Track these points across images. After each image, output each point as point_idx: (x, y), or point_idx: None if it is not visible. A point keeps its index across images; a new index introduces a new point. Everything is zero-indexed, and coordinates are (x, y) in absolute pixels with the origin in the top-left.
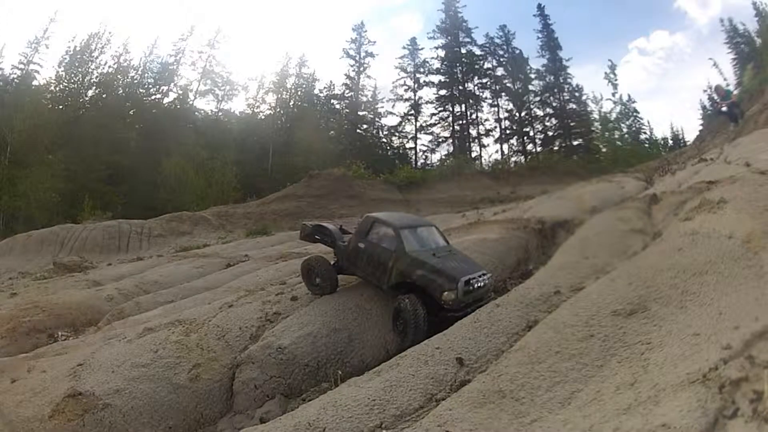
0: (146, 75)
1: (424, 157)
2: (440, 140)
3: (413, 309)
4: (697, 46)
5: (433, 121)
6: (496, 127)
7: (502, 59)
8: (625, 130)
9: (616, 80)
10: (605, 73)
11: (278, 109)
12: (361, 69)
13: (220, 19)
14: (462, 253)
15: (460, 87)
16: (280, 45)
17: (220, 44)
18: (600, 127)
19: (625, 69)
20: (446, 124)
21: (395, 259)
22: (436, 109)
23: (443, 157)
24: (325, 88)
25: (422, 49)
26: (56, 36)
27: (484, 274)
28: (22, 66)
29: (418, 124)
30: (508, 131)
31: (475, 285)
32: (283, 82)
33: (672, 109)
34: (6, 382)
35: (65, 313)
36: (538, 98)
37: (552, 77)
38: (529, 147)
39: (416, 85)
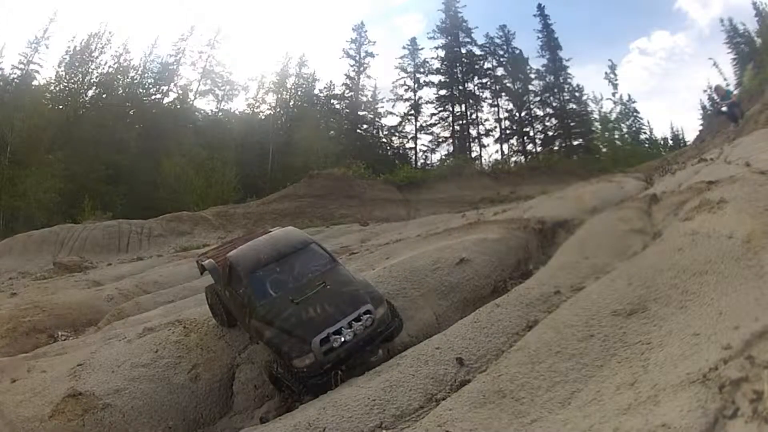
0: (146, 75)
1: (424, 157)
2: (440, 140)
3: (266, 370)
4: (698, 46)
5: (433, 121)
6: (496, 127)
7: (502, 59)
8: (625, 130)
9: (616, 80)
10: (605, 73)
11: (278, 109)
12: (361, 69)
13: (220, 19)
14: (344, 281)
15: (460, 87)
16: (280, 45)
17: (220, 44)
18: (600, 127)
19: (626, 69)
20: (446, 124)
21: (248, 313)
22: (436, 109)
23: (443, 157)
24: (325, 88)
25: (422, 49)
26: (56, 36)
27: (360, 317)
28: (22, 66)
29: (418, 124)
30: (508, 131)
31: (337, 342)
32: (283, 82)
33: (672, 109)
34: (6, 382)
35: (65, 313)
36: (538, 98)
37: (552, 77)
38: (529, 147)
39: (416, 85)
